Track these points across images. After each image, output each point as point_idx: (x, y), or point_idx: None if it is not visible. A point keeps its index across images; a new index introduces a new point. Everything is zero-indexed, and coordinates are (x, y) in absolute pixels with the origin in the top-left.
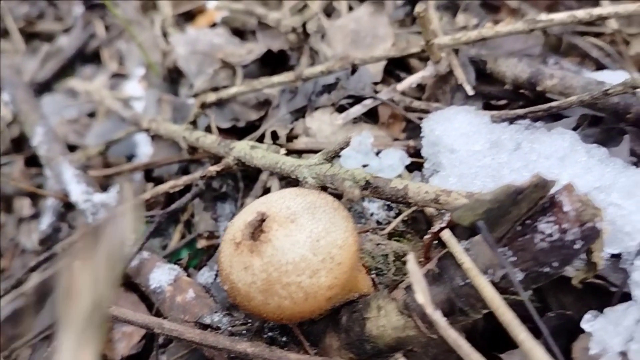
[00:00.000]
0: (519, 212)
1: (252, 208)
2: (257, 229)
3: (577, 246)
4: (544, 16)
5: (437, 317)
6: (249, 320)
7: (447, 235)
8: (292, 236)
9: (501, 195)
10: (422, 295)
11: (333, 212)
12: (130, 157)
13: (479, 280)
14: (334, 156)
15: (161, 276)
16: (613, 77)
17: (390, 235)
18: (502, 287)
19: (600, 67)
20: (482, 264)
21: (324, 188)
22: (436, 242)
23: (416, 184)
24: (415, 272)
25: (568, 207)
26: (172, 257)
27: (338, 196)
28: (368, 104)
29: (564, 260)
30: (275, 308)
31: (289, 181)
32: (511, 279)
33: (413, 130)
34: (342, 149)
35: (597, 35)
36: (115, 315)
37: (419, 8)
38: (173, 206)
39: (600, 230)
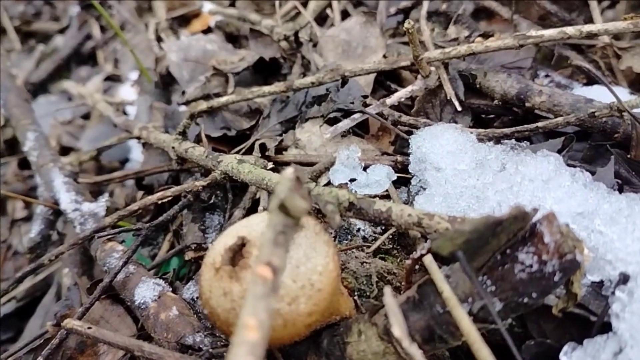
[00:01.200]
0: (498, 242)
1: (234, 231)
2: (237, 254)
3: (556, 278)
4: (534, 32)
5: (414, 350)
6: (230, 341)
7: (428, 261)
8: None
9: (480, 226)
10: (399, 329)
11: (314, 236)
12: (123, 161)
13: (458, 312)
14: (319, 175)
15: (146, 292)
16: (603, 94)
17: (376, 252)
18: (481, 317)
19: (591, 80)
20: (461, 292)
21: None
22: (418, 266)
23: (399, 206)
24: (392, 306)
25: (548, 238)
26: (161, 268)
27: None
28: (357, 117)
29: (543, 291)
30: None
31: None
32: (489, 310)
33: (402, 142)
34: (327, 168)
35: (589, 47)
36: (96, 336)
37: (407, 24)
38: (160, 219)
39: (580, 262)
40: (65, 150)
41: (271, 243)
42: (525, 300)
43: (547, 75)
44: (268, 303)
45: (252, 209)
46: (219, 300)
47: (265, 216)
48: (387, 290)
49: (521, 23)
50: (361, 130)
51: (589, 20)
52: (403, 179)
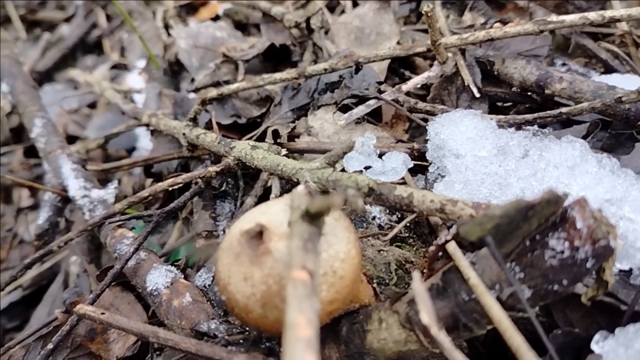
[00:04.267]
0: (529, 228)
1: (252, 216)
2: (257, 238)
3: (588, 265)
4: (554, 17)
5: (442, 337)
6: (247, 329)
7: (452, 247)
8: None
9: (511, 210)
10: (427, 315)
11: (334, 222)
12: (130, 150)
13: (486, 299)
14: (336, 160)
15: (158, 278)
16: (623, 81)
17: (392, 241)
18: (509, 304)
19: (608, 68)
20: (488, 280)
21: (325, 192)
22: (440, 253)
23: (421, 192)
24: (420, 292)
25: (581, 224)
26: (171, 256)
27: None
28: (372, 104)
29: (574, 278)
30: (274, 321)
31: (290, 181)
32: (519, 297)
33: (417, 130)
34: (344, 153)
35: (606, 36)
36: (109, 322)
37: (426, 7)
38: (171, 205)
39: (614, 248)
40: (71, 139)
41: (301, 250)
42: (555, 287)
43: (564, 64)
44: (312, 302)
45: (263, 197)
46: (238, 285)
47: (285, 205)
48: (416, 275)
49: (537, 11)
50: (374, 118)
51: (605, 8)
52: (419, 167)
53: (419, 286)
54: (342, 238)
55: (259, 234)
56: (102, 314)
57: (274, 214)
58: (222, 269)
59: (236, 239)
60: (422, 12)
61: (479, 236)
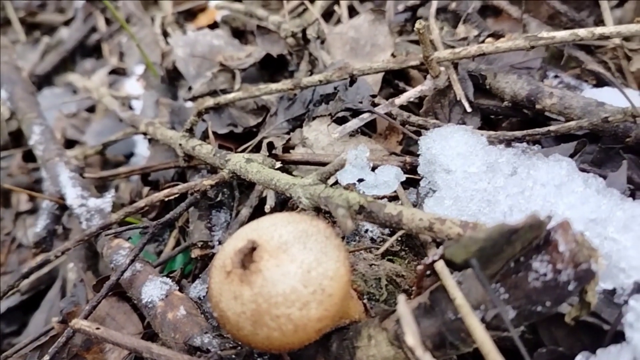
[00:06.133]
0: (512, 251)
1: (243, 233)
2: (247, 257)
3: (570, 287)
4: (545, 33)
5: (427, 359)
6: (239, 344)
7: (440, 266)
8: (282, 267)
9: (495, 234)
10: (412, 337)
11: (325, 240)
12: (129, 155)
13: (471, 320)
14: (328, 177)
15: (153, 290)
16: (614, 95)
17: (384, 254)
18: (494, 324)
19: (600, 81)
20: (474, 300)
21: (318, 209)
22: (429, 272)
23: (410, 210)
24: (405, 314)
25: (563, 247)
26: (167, 265)
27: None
28: (365, 117)
29: (557, 300)
30: (264, 339)
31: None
32: (503, 318)
33: (411, 140)
34: (336, 170)
35: (599, 47)
36: (104, 337)
37: (418, 24)
38: (167, 216)
39: (595, 272)
40: (70, 143)
41: None
42: (539, 308)
43: (556, 76)
44: None
45: (259, 207)
46: (229, 303)
47: (276, 219)
48: (401, 298)
49: (530, 22)
50: (369, 129)
51: (599, 19)
52: (412, 180)
53: (404, 309)
54: (332, 256)
55: (251, 251)
56: (97, 328)
57: (265, 229)
58: (214, 286)
59: (228, 257)
60: (415, 30)
61: (464, 259)
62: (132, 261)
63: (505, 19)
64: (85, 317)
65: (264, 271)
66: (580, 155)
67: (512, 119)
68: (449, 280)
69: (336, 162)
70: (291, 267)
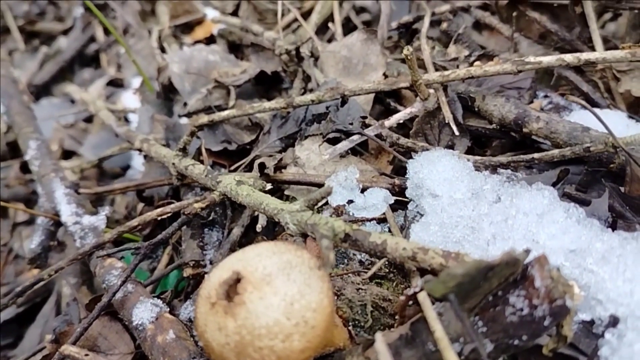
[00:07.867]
0: (490, 286)
1: (229, 264)
2: (232, 288)
3: (546, 322)
4: (532, 58)
5: None
6: None
7: (422, 297)
8: (266, 299)
9: (472, 270)
10: None
11: (309, 271)
12: (125, 168)
13: (448, 354)
14: (315, 203)
15: (143, 313)
16: (602, 117)
17: (372, 277)
18: (471, 358)
19: (589, 101)
20: (453, 332)
21: (304, 235)
22: (411, 302)
23: (394, 239)
24: (383, 352)
25: (539, 283)
26: (159, 283)
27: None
28: (355, 139)
29: (533, 334)
30: None
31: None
32: (480, 352)
33: (401, 162)
34: (323, 197)
35: (588, 65)
36: None
37: (406, 50)
38: (159, 236)
39: (570, 308)
40: (67, 154)
41: None
42: (516, 342)
43: (546, 96)
44: None
45: (250, 226)
46: (213, 334)
47: (261, 249)
48: (379, 335)
49: (521, 42)
50: (361, 147)
51: (589, 39)
52: (400, 202)
53: (381, 346)
54: (315, 288)
55: (235, 282)
56: (86, 355)
57: (249, 260)
58: (200, 317)
59: (213, 288)
60: (403, 55)
61: (442, 294)
62: (124, 282)
63: (497, 35)
64: (77, 338)
65: (248, 303)
66: (563, 183)
67: (501, 141)
68: (430, 311)
69: (323, 190)
70: (274, 299)
